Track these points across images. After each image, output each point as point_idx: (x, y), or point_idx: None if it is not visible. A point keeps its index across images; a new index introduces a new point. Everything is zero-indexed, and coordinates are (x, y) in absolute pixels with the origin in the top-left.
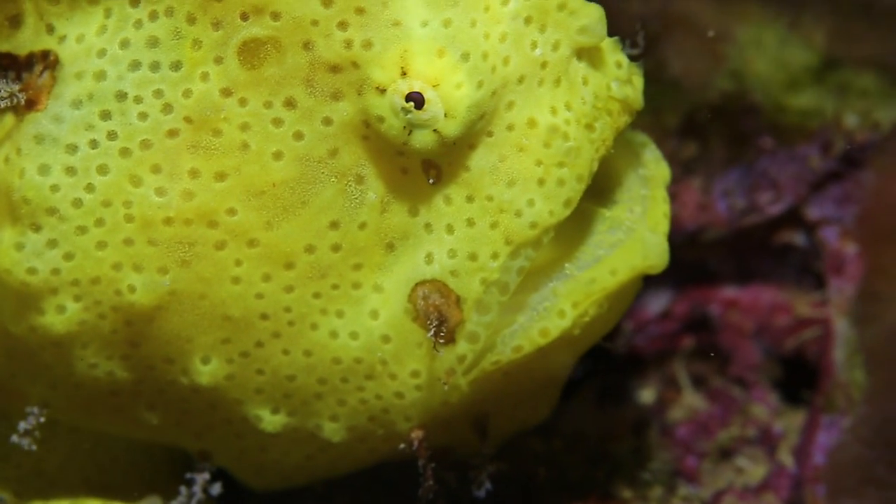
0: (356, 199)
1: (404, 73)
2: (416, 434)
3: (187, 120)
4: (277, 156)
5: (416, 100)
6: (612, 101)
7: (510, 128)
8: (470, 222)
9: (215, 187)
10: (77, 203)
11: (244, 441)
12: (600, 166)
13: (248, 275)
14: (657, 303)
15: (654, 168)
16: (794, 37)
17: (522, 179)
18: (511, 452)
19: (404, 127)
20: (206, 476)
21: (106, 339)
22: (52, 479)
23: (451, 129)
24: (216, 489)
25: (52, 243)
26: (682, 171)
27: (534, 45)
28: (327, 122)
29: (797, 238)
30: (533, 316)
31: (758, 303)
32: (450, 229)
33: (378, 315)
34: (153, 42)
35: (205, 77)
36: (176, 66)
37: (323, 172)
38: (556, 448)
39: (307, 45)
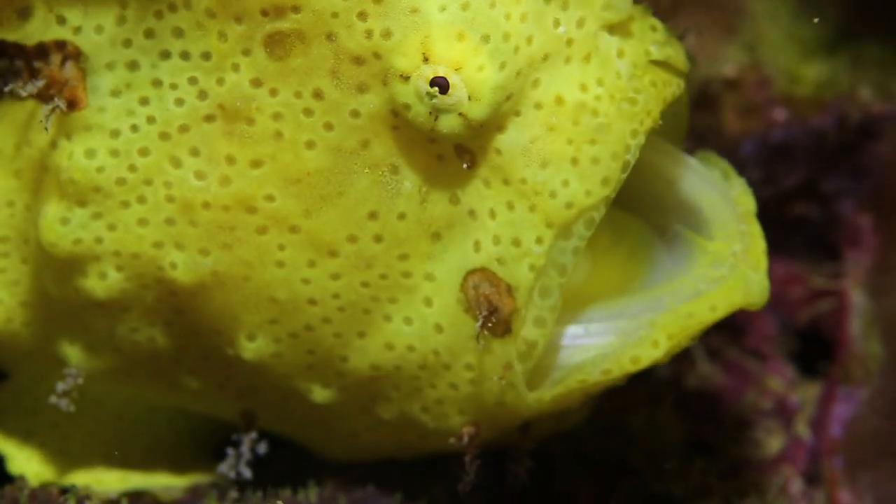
0: (392, 189)
1: (426, 59)
2: (468, 430)
3: (221, 107)
4: (310, 145)
5: (441, 84)
6: (656, 71)
7: (538, 106)
8: (510, 206)
9: (251, 174)
10: (120, 181)
11: (291, 402)
12: (692, 197)
13: (292, 259)
14: None
15: (745, 201)
16: (808, 8)
17: (555, 160)
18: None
19: (430, 113)
20: (254, 435)
21: (149, 307)
22: (76, 457)
23: (476, 111)
24: (262, 448)
25: (97, 216)
26: (695, 143)
27: (557, 23)
28: (355, 114)
29: (812, 210)
30: (627, 342)
31: (772, 275)
32: (492, 214)
33: (432, 303)
34: (178, 32)
35: (235, 68)
36: (206, 56)
37: (356, 163)
38: None
39: (330, 37)
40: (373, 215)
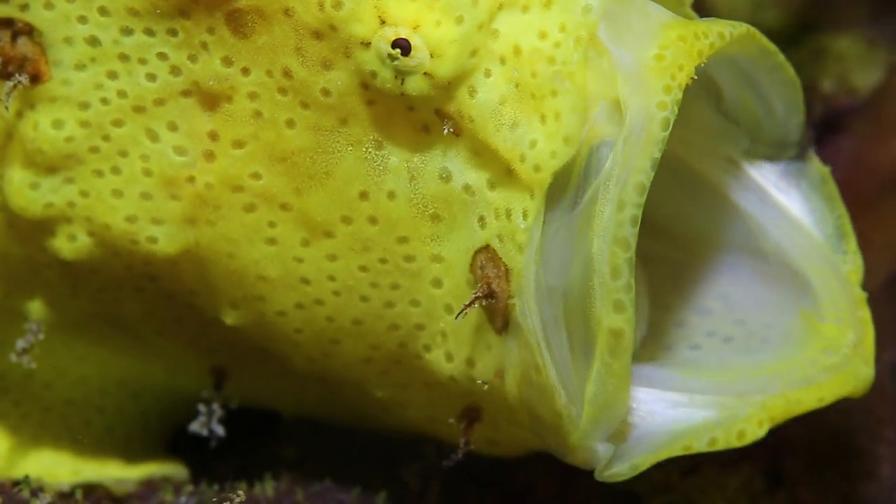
0: (379, 165)
1: (383, 22)
2: (471, 414)
3: (196, 84)
4: (290, 124)
5: (403, 46)
6: (685, 25)
7: (503, 61)
8: (508, 173)
9: (235, 153)
10: (94, 149)
11: (269, 363)
12: (799, 265)
13: (284, 237)
14: None
15: (856, 278)
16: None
17: (524, 119)
18: None
19: (396, 76)
20: (225, 393)
21: (118, 273)
22: (26, 449)
23: (440, 69)
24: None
25: (69, 180)
26: None
27: None
28: (325, 92)
29: None
30: (737, 415)
31: None
32: (491, 185)
33: (441, 283)
34: (134, 12)
35: (204, 46)
36: (172, 32)
37: (338, 141)
38: None
39: (287, 12)
40: (363, 195)
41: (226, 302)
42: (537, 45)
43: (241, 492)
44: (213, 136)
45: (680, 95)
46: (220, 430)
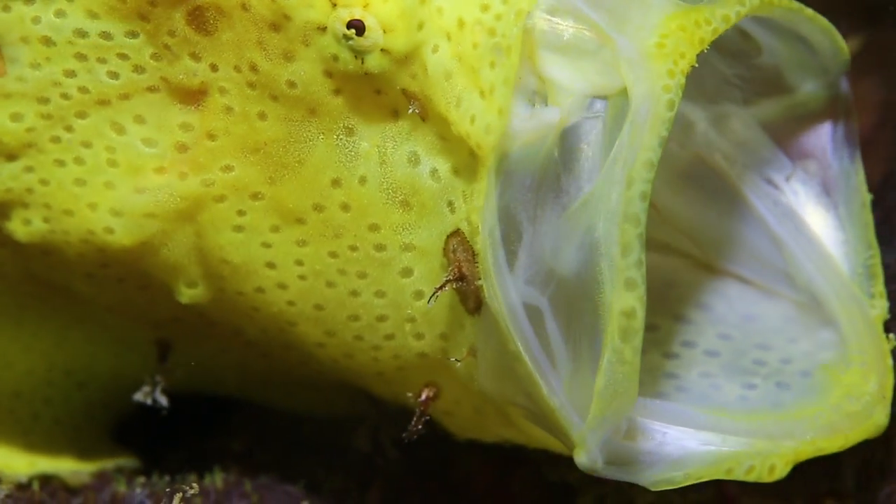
0: (350, 151)
1: (335, 5)
2: (428, 391)
3: (165, 80)
4: (262, 116)
5: (358, 27)
6: (686, 14)
7: (449, 36)
8: (471, 154)
9: (208, 145)
10: (55, 140)
11: (216, 333)
12: (828, 304)
13: (252, 224)
14: None
15: (880, 320)
16: None
17: (467, 93)
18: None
19: (355, 57)
20: (168, 365)
21: (69, 259)
22: None
23: (394, 43)
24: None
25: (29, 169)
26: None
27: None
28: (291, 84)
29: None
30: (767, 455)
31: None
32: (455, 171)
33: (412, 272)
34: (93, 14)
35: (167, 46)
36: (132, 34)
37: (309, 131)
38: None
39: (244, 7)
40: (336, 182)
41: (183, 282)
42: (479, 16)
43: (194, 483)
44: (186, 129)
45: (683, 80)
46: (163, 400)
